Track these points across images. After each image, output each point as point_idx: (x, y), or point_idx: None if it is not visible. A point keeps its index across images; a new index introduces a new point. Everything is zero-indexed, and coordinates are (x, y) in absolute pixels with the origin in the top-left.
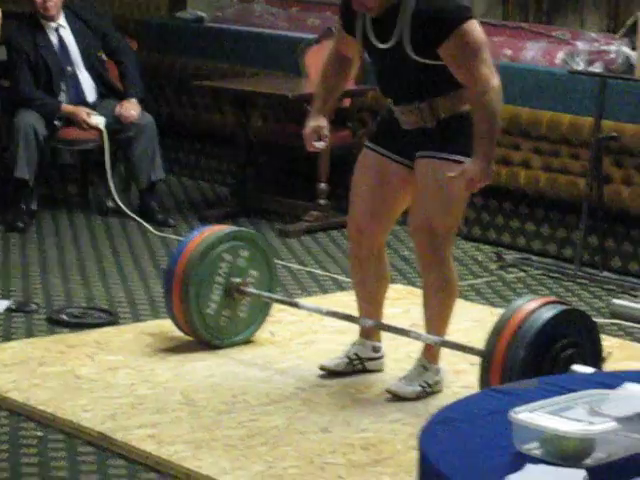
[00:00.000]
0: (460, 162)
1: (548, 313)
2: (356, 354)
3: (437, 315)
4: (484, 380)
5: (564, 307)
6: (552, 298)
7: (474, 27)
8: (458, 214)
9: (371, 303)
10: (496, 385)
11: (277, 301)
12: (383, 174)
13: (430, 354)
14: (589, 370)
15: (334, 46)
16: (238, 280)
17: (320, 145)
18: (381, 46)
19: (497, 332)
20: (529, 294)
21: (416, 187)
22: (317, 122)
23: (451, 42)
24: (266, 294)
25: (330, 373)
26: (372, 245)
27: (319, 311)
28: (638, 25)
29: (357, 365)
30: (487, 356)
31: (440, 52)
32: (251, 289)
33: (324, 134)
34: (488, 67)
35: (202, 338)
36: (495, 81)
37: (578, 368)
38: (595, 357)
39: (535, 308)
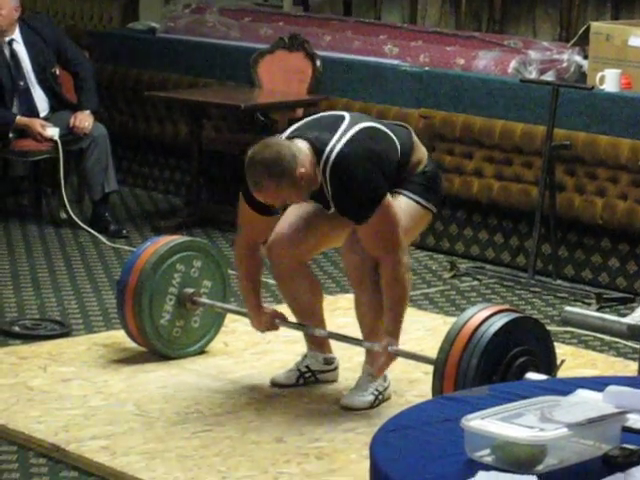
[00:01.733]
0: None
1: (501, 321)
2: (307, 367)
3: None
4: (437, 388)
5: (517, 315)
6: (505, 306)
7: (388, 206)
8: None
9: (311, 317)
10: (448, 393)
11: (230, 311)
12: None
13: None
14: (542, 378)
15: (244, 241)
16: (191, 290)
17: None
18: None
19: (450, 340)
20: (482, 303)
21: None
22: (267, 313)
23: (368, 226)
24: (219, 304)
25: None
26: (291, 263)
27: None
28: (590, 34)
29: (309, 378)
30: (440, 364)
31: (358, 230)
32: (204, 299)
33: (279, 318)
34: (399, 246)
35: (155, 349)
36: (405, 258)
37: (531, 376)
38: (548, 365)
39: (488, 316)
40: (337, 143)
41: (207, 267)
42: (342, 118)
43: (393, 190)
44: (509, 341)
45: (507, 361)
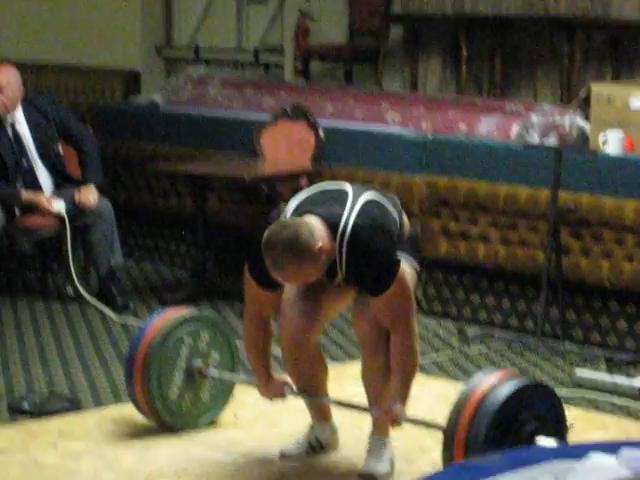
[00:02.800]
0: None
1: (509, 387)
2: (317, 438)
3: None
4: (447, 456)
5: (525, 380)
6: (513, 371)
7: (403, 277)
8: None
9: (314, 387)
10: (460, 460)
11: (239, 382)
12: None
13: (383, 429)
14: (553, 442)
15: (252, 315)
16: (199, 363)
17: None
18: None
19: (459, 407)
20: (491, 368)
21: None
22: (276, 381)
23: (384, 296)
24: (228, 376)
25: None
26: (307, 340)
27: None
28: (591, 96)
29: (317, 449)
30: (449, 432)
31: (373, 300)
32: (213, 371)
33: (289, 386)
34: (413, 316)
35: (165, 422)
36: (416, 329)
37: (542, 440)
38: (559, 429)
39: (496, 382)
40: (350, 216)
41: (215, 339)
42: (345, 191)
43: None
44: (518, 406)
45: (517, 427)
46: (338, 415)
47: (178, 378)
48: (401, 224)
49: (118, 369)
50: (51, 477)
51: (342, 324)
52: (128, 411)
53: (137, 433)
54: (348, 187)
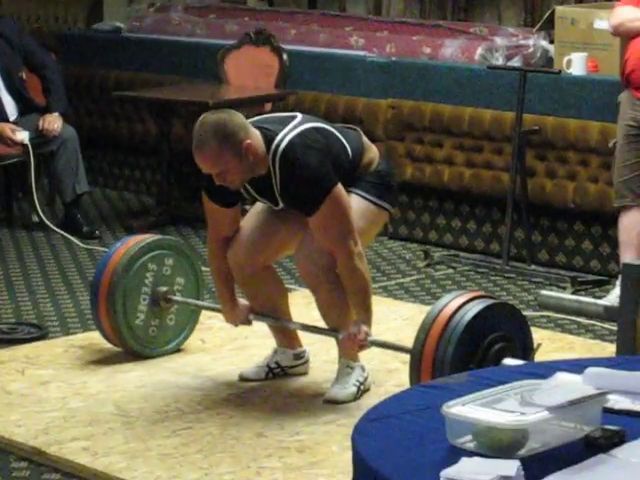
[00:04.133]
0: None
1: (476, 308)
2: (277, 363)
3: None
4: (414, 378)
5: (492, 301)
6: (479, 293)
7: (338, 197)
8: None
9: (272, 311)
10: (427, 381)
11: (205, 308)
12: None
13: (350, 353)
14: (520, 363)
15: (213, 237)
16: (164, 289)
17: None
18: (267, 203)
19: (425, 329)
20: (457, 290)
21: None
22: (240, 308)
23: (316, 215)
24: (193, 301)
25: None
26: (253, 270)
27: None
28: (555, 18)
29: (278, 373)
30: (416, 353)
31: (310, 223)
32: (178, 297)
33: (253, 312)
34: (351, 236)
35: (132, 349)
36: (357, 248)
37: (509, 361)
38: (525, 350)
39: (463, 303)
40: (288, 134)
41: (179, 265)
42: (294, 116)
43: (346, 190)
44: (485, 328)
45: (484, 348)
46: (307, 339)
47: (143, 305)
48: (359, 158)
49: (85, 296)
50: (19, 404)
51: None
52: (95, 338)
53: (104, 360)
54: (299, 115)
